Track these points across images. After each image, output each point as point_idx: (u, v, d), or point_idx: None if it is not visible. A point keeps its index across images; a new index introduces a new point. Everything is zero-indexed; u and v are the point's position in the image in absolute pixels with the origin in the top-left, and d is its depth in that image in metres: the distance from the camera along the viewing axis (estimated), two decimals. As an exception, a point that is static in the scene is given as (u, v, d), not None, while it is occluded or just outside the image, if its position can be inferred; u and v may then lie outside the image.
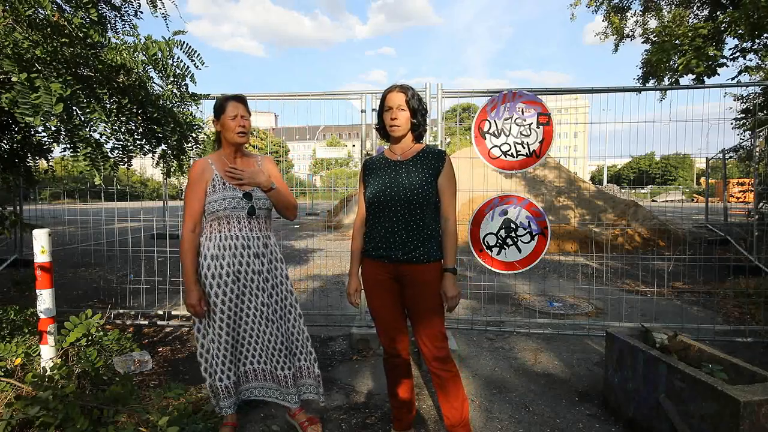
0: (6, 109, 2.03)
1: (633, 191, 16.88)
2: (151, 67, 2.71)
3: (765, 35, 7.80)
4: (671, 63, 8.88)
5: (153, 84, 2.87)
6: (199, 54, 2.87)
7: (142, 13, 3.80)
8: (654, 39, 10.11)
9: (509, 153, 3.49)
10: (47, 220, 7.60)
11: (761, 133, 6.79)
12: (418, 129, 2.02)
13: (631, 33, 11.40)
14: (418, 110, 1.99)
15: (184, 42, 2.74)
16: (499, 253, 3.50)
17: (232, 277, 2.09)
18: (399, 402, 2.17)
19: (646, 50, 10.47)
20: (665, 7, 10.80)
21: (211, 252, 2.08)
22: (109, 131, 2.52)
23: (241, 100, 2.15)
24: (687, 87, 4.56)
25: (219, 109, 2.11)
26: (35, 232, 2.35)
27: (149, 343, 3.57)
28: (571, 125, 4.84)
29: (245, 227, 2.10)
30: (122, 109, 2.65)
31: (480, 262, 3.58)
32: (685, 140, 3.69)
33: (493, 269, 3.54)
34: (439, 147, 2.64)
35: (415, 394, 2.27)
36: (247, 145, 2.25)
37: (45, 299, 2.34)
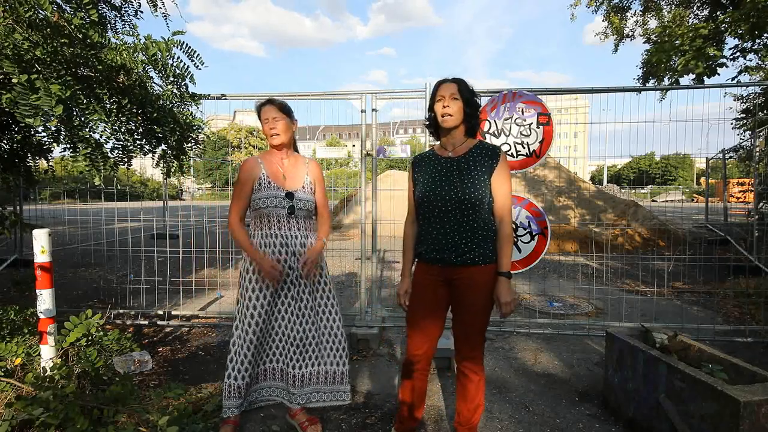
0: (6, 109, 2.03)
1: (633, 191, 16.88)
2: (150, 67, 2.71)
3: (765, 35, 7.80)
4: (671, 63, 8.89)
5: (153, 84, 2.87)
6: (198, 54, 2.87)
7: (142, 12, 3.79)
8: (654, 39, 10.11)
9: (509, 153, 3.49)
10: (47, 220, 7.58)
11: (761, 133, 6.80)
12: (470, 121, 1.95)
13: (631, 33, 11.39)
14: (470, 101, 1.92)
15: (183, 42, 2.74)
16: (499, 253, 3.50)
17: None
18: (408, 407, 2.14)
19: (646, 50, 10.47)
20: (665, 7, 10.80)
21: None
22: (109, 131, 2.52)
23: (270, 103, 2.22)
24: (687, 87, 4.56)
25: (257, 114, 2.21)
26: (35, 232, 2.35)
27: (149, 343, 3.57)
28: (571, 125, 4.84)
29: (284, 225, 2.18)
30: (122, 109, 2.65)
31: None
32: (685, 140, 3.70)
33: (493, 269, 3.54)
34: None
35: (425, 402, 2.24)
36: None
37: (45, 299, 2.34)
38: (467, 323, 1.95)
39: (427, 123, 2.05)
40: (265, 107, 2.18)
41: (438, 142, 2.06)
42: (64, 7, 2.43)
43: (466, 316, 1.94)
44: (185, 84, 2.92)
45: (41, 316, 2.34)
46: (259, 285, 2.15)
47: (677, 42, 8.36)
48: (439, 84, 1.95)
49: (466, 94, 1.91)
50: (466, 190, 1.86)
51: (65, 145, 2.37)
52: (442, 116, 1.91)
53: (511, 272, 1.90)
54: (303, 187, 2.23)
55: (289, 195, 2.17)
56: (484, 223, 1.89)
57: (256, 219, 2.19)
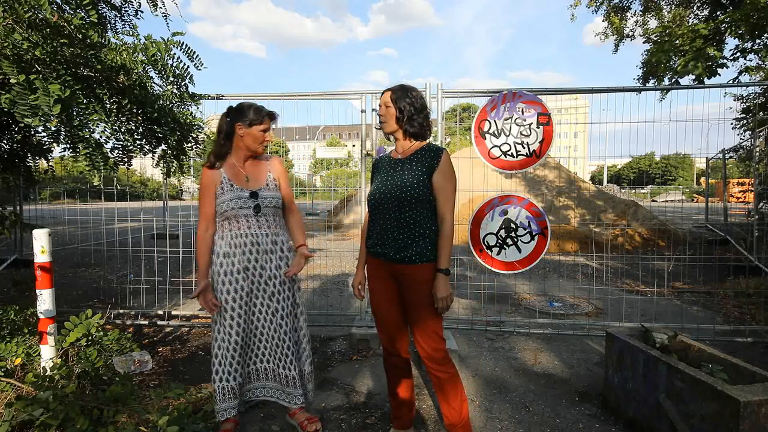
0: (5, 109, 2.04)
1: (633, 191, 16.87)
2: (150, 67, 2.71)
3: (765, 35, 7.80)
4: (671, 63, 8.88)
5: (153, 84, 2.88)
6: (198, 55, 2.88)
7: (142, 12, 3.80)
8: (654, 39, 10.11)
9: (509, 153, 3.50)
10: (47, 220, 7.59)
11: (761, 133, 6.79)
12: (404, 126, 2.02)
13: (631, 33, 11.40)
14: (403, 108, 1.99)
15: (183, 43, 2.74)
16: (499, 253, 3.50)
17: (243, 274, 2.15)
18: (398, 401, 2.18)
19: (646, 50, 10.47)
20: (665, 7, 10.79)
21: (224, 250, 2.16)
22: (109, 131, 2.52)
23: (275, 118, 2.25)
24: (687, 87, 4.56)
25: (254, 119, 2.15)
26: (35, 232, 2.35)
27: (149, 343, 3.57)
28: (571, 125, 4.84)
29: (253, 225, 2.17)
30: (122, 109, 2.65)
31: (480, 262, 3.58)
32: (685, 140, 3.70)
33: (493, 269, 3.54)
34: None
35: (414, 393, 2.27)
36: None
37: (45, 299, 2.34)
38: (419, 324, 1.99)
39: (379, 128, 2.19)
40: (269, 120, 2.19)
41: (387, 146, 2.20)
42: (64, 7, 2.43)
43: (413, 314, 2.00)
44: (185, 84, 2.93)
45: (41, 316, 2.34)
46: (234, 287, 2.14)
47: (677, 42, 8.36)
48: (382, 93, 2.08)
49: (399, 101, 2.00)
50: (403, 188, 1.94)
51: (65, 145, 2.38)
52: (380, 124, 2.07)
53: (449, 269, 1.95)
54: (267, 185, 2.22)
55: (254, 194, 2.16)
56: (424, 221, 1.95)
57: (223, 222, 2.18)
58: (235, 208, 2.13)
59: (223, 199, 2.14)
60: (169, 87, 2.92)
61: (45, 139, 3.19)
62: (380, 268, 2.05)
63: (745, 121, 9.37)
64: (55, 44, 2.16)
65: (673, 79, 8.93)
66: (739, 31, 7.54)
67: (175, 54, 2.74)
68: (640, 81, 10.29)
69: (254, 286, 2.18)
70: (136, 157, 3.12)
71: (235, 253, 2.15)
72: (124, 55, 2.56)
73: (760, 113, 7.68)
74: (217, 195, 2.15)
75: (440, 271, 1.93)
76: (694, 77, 8.42)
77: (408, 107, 2.00)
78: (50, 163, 3.70)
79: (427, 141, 2.11)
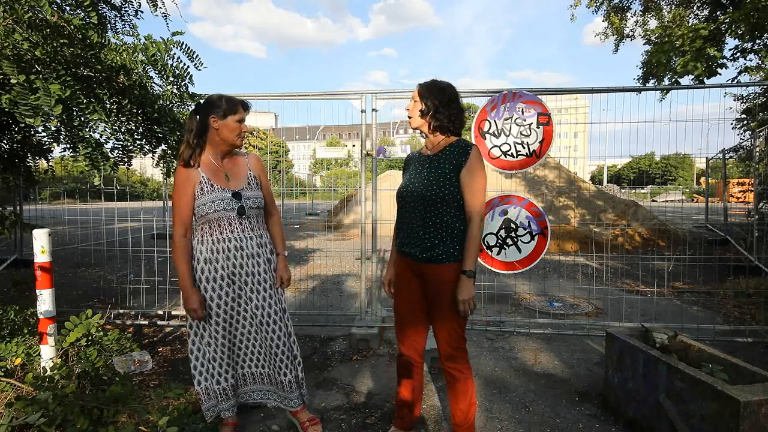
0: (6, 109, 2.04)
1: (633, 191, 16.85)
2: (150, 67, 2.71)
3: (765, 35, 7.81)
4: (671, 63, 8.89)
5: (153, 84, 2.88)
6: (198, 55, 2.88)
7: (142, 12, 3.80)
8: (654, 39, 10.11)
9: (509, 153, 3.50)
10: (47, 220, 7.59)
11: (761, 133, 6.79)
12: (429, 119, 1.98)
13: (631, 33, 11.41)
14: (429, 103, 1.96)
15: (183, 43, 2.74)
16: (499, 253, 3.50)
17: (227, 280, 2.07)
18: (403, 401, 2.17)
19: (646, 50, 10.48)
20: (665, 7, 10.80)
21: (205, 256, 2.06)
22: (109, 131, 2.52)
23: (248, 108, 2.16)
24: (687, 87, 4.56)
25: (228, 109, 2.04)
26: (35, 232, 2.35)
27: (149, 343, 3.57)
28: (571, 125, 4.85)
29: (237, 228, 2.06)
30: (122, 109, 2.66)
31: (480, 262, 3.58)
32: (685, 140, 3.70)
33: (493, 269, 3.54)
34: None
35: (421, 395, 2.26)
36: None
37: (45, 299, 2.34)
38: (441, 322, 1.98)
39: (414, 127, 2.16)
40: (243, 108, 2.09)
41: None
42: (64, 7, 2.43)
43: (437, 313, 1.98)
44: (185, 84, 2.92)
45: (41, 316, 2.34)
46: (217, 293, 2.07)
47: (677, 42, 8.37)
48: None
49: (425, 95, 1.98)
50: (429, 187, 1.91)
51: (65, 145, 2.38)
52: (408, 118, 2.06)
53: (474, 271, 1.90)
54: (249, 184, 2.12)
55: (237, 195, 2.04)
56: (451, 221, 1.92)
57: (203, 226, 2.05)
58: (218, 210, 2.00)
59: (204, 200, 2.00)
60: (169, 87, 2.92)
61: (45, 139, 3.20)
62: (407, 266, 2.03)
63: (746, 121, 9.38)
64: (55, 44, 2.16)
65: (673, 79, 8.94)
66: (739, 31, 7.55)
67: (175, 54, 2.74)
68: (640, 81, 10.30)
69: (242, 292, 2.10)
70: (136, 157, 3.11)
71: (218, 259, 2.04)
72: (124, 55, 2.56)
73: (761, 113, 7.69)
74: (196, 196, 2.02)
75: (464, 273, 1.88)
76: (693, 77, 8.42)
77: (433, 100, 1.97)
78: (50, 163, 3.70)
79: (459, 137, 2.04)
